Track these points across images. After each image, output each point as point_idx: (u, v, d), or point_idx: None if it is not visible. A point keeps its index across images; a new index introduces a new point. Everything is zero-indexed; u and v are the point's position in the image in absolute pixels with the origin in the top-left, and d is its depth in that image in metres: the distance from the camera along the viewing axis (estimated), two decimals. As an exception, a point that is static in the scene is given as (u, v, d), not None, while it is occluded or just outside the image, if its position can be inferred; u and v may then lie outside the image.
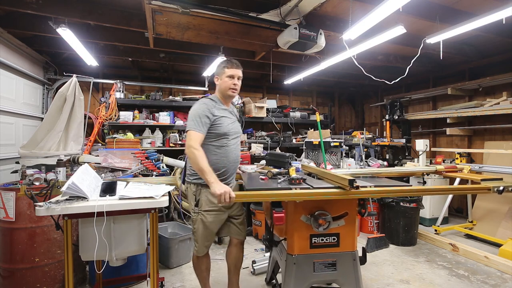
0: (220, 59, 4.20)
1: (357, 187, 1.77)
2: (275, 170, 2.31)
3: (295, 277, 1.89)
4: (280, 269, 2.70)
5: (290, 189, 1.86)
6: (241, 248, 2.30)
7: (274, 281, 2.66)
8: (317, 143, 4.05)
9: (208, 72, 5.04)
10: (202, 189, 2.04)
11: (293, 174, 2.16)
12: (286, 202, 1.93)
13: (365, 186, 1.89)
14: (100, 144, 4.77)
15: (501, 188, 1.99)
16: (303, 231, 1.92)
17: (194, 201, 2.08)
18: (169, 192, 2.09)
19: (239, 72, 2.13)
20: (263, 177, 2.21)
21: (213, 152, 2.05)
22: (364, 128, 6.20)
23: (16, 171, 3.08)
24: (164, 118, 5.02)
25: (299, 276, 1.90)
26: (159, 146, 4.84)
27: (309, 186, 1.92)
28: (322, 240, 1.94)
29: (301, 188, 1.87)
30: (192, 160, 1.90)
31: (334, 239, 1.95)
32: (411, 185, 2.16)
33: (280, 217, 1.78)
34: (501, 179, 2.21)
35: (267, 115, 5.92)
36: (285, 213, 1.85)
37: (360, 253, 2.09)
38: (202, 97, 2.24)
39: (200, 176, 1.91)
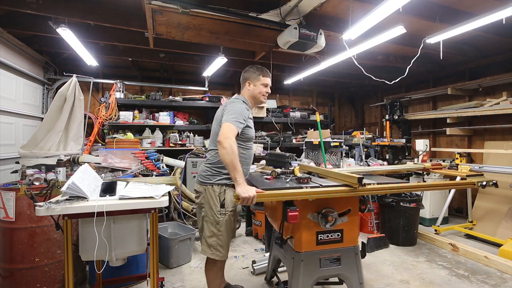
0: (220, 59, 4.20)
1: (365, 185, 1.85)
2: (279, 170, 2.32)
3: (302, 274, 1.95)
4: (280, 267, 2.73)
5: (301, 188, 1.89)
6: None
7: (273, 279, 2.68)
8: (317, 143, 4.04)
9: (208, 72, 5.03)
10: (227, 189, 2.03)
11: (298, 174, 2.18)
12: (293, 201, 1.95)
13: (370, 184, 1.94)
14: (100, 144, 4.78)
15: (484, 183, 2.13)
16: (309, 229, 1.97)
17: (218, 202, 2.02)
18: (169, 192, 2.09)
19: (270, 81, 2.23)
20: (268, 177, 2.22)
21: (240, 153, 1.95)
22: (364, 128, 6.19)
23: (16, 171, 3.08)
24: (164, 118, 5.03)
25: (306, 273, 1.96)
26: (159, 146, 4.84)
27: (318, 185, 1.94)
28: (328, 236, 2.00)
29: (311, 187, 1.90)
30: (227, 152, 1.76)
31: (338, 235, 2.02)
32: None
33: (294, 216, 1.80)
34: (482, 174, 2.38)
35: (267, 115, 5.93)
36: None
37: (360, 248, 2.16)
38: (234, 97, 2.19)
39: (230, 171, 1.80)
